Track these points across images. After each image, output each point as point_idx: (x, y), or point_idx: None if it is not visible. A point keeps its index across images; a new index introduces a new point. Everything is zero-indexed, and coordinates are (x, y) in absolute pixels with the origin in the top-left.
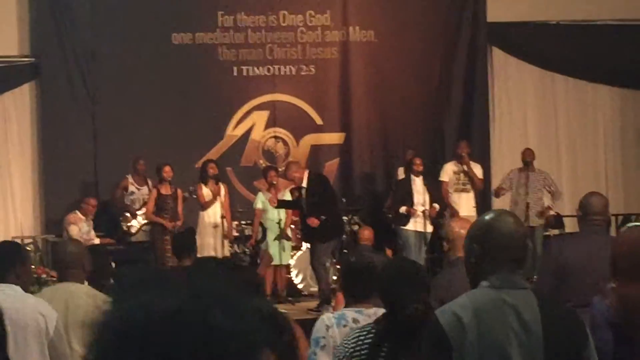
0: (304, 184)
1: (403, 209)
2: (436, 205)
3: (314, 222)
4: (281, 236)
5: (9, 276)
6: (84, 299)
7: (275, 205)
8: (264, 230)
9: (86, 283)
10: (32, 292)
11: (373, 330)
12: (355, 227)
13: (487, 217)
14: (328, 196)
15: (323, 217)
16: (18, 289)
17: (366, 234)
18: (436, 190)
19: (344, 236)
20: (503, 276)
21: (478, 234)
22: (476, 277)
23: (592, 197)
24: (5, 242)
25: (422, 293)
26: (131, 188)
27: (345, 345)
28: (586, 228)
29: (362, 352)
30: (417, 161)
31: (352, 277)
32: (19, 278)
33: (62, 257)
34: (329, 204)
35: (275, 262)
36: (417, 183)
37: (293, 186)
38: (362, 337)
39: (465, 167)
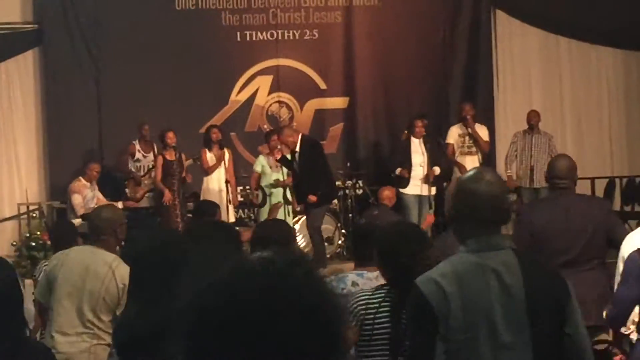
0: (297, 148)
1: (398, 171)
2: (436, 169)
3: (312, 199)
4: (285, 200)
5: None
6: (104, 269)
7: (279, 159)
8: (264, 194)
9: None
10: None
11: (382, 294)
12: (359, 192)
13: (464, 178)
14: (319, 161)
15: (319, 193)
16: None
17: (386, 193)
18: (438, 152)
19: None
20: (482, 239)
21: (455, 196)
22: (460, 239)
23: (556, 160)
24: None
25: (416, 248)
26: (138, 155)
27: (354, 309)
28: (553, 192)
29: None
30: (419, 123)
31: (359, 239)
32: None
33: (95, 222)
34: (320, 169)
35: None
36: (417, 145)
37: (279, 156)
38: (370, 301)
39: (470, 130)
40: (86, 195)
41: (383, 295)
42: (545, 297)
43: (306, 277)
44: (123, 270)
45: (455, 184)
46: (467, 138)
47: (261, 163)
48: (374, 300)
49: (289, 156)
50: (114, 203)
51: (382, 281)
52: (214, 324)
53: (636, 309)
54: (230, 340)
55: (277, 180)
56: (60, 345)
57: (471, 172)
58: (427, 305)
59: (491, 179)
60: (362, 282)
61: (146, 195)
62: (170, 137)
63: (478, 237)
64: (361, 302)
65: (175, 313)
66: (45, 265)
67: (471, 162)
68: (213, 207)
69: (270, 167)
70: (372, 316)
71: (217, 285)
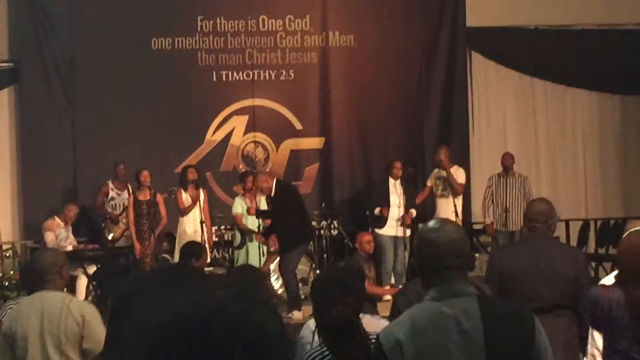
0: (272, 193)
1: (377, 210)
2: (412, 211)
3: (268, 240)
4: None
5: None
6: (59, 307)
7: (254, 214)
8: (242, 235)
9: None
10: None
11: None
12: (334, 232)
13: (424, 228)
14: (291, 205)
15: (276, 235)
16: None
17: (366, 238)
18: (414, 195)
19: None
20: (443, 287)
21: (417, 247)
22: (425, 288)
23: (533, 203)
24: None
25: (347, 297)
26: (112, 194)
27: None
28: (527, 235)
29: None
30: (397, 165)
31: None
32: None
33: (40, 265)
34: (292, 213)
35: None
36: (396, 186)
37: (253, 209)
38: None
39: (444, 173)
40: (59, 234)
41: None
42: (506, 340)
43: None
44: (77, 304)
45: (415, 236)
46: (441, 181)
47: (240, 204)
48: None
49: (262, 204)
50: (92, 245)
51: None
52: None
53: (599, 338)
54: None
55: (255, 233)
56: None
57: (431, 223)
58: (382, 355)
59: (450, 227)
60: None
61: (124, 234)
62: (145, 176)
63: (440, 285)
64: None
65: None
66: (9, 308)
67: (445, 205)
68: (199, 249)
69: (248, 209)
70: None
71: (161, 322)
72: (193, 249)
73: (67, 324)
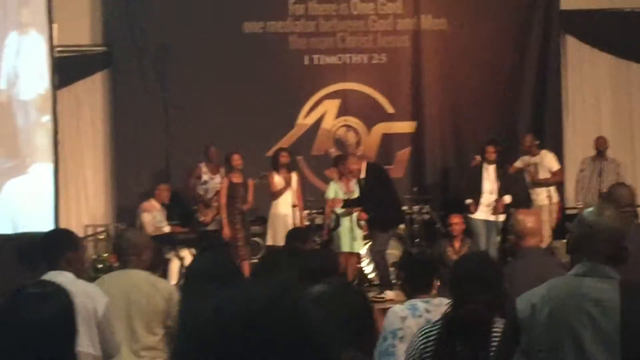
0: (362, 175)
1: (468, 201)
2: (506, 197)
3: (362, 216)
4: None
5: (61, 262)
6: (145, 285)
7: (342, 205)
8: (337, 217)
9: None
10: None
11: (438, 326)
12: (426, 217)
13: (586, 210)
14: (381, 187)
15: (372, 215)
16: (69, 274)
17: (455, 220)
18: (509, 180)
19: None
20: (590, 265)
21: (574, 225)
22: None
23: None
24: (56, 229)
25: (484, 294)
26: (204, 177)
27: (415, 343)
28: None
29: (430, 349)
30: (490, 149)
31: (413, 269)
32: (70, 265)
33: (122, 244)
34: (383, 194)
35: (346, 249)
36: (489, 171)
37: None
38: (430, 334)
39: (535, 159)
40: (155, 216)
41: (433, 328)
42: None
43: (294, 306)
44: (163, 282)
45: (578, 215)
46: (533, 167)
47: (333, 189)
48: (433, 334)
49: (356, 191)
50: (182, 228)
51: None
52: (199, 346)
53: None
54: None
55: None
56: None
57: (593, 207)
58: (514, 318)
59: (611, 215)
60: (432, 308)
61: (216, 217)
62: (236, 159)
63: (586, 263)
64: (421, 337)
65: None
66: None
67: (539, 191)
68: (304, 234)
69: (343, 193)
70: (430, 350)
71: (207, 308)
72: (298, 233)
73: (156, 301)
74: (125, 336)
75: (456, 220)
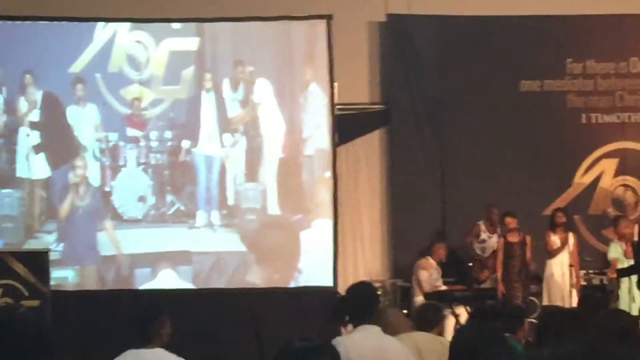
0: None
1: None
2: None
3: None
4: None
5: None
6: (436, 344)
7: (616, 275)
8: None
9: None
10: None
11: None
12: None
13: None
14: None
15: None
16: (377, 329)
17: None
18: None
19: None
20: None
21: None
22: None
23: None
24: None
25: None
26: (483, 235)
27: None
28: None
29: None
30: None
31: None
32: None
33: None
34: None
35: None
36: None
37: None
38: None
39: None
40: (432, 274)
41: None
42: None
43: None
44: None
45: None
46: None
47: (616, 249)
48: None
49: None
50: (458, 286)
51: None
52: None
53: None
54: None
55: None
56: None
57: None
58: None
59: None
60: None
61: (491, 276)
62: (509, 222)
63: None
64: None
65: None
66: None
67: None
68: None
69: (625, 254)
70: None
71: None
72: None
73: None
74: None
75: None
